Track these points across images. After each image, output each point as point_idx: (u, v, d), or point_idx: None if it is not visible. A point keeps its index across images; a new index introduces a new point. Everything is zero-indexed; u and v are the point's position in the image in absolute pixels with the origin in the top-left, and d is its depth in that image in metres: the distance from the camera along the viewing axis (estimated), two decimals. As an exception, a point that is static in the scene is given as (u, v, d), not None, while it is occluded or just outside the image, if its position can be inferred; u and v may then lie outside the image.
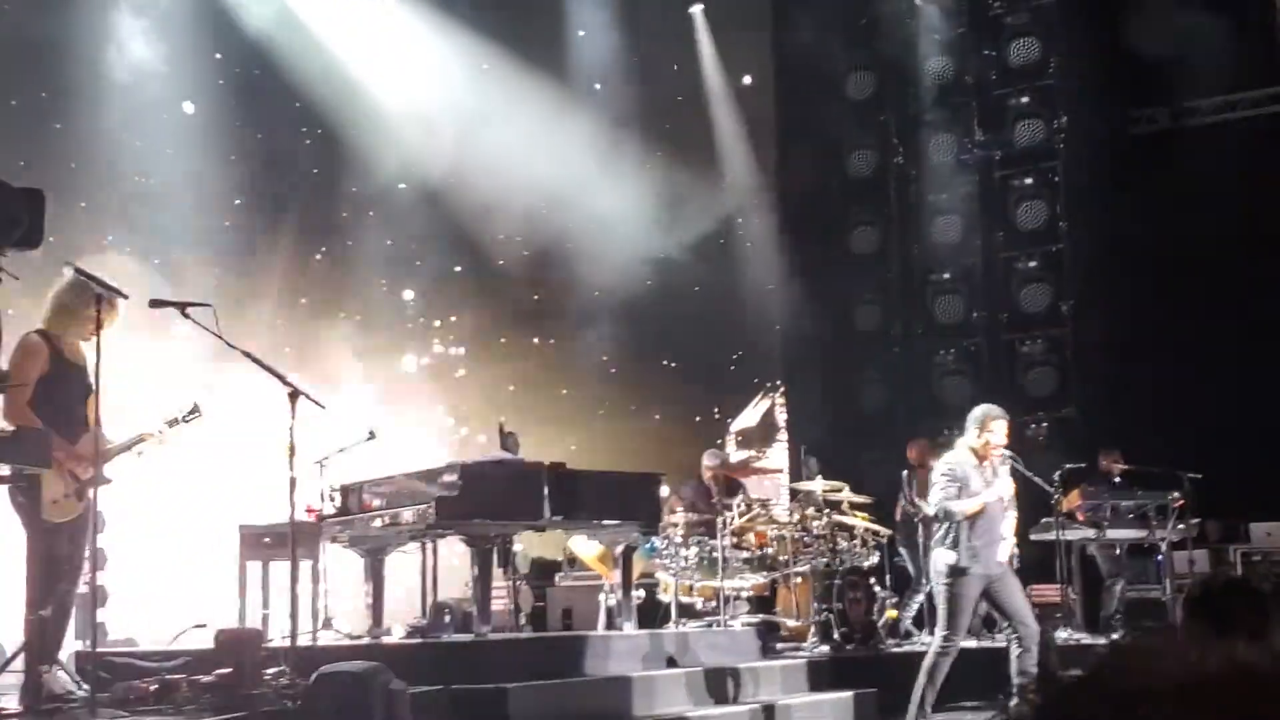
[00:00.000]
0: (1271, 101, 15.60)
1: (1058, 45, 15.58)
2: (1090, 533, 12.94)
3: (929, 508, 9.17)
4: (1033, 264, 15.48)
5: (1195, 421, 14.17)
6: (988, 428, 8.91)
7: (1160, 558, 13.31)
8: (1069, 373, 15.21)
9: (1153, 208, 15.17)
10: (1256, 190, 15.34)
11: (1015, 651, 8.87)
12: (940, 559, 8.83)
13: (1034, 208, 15.53)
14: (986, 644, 12.45)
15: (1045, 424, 15.15)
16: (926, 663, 8.83)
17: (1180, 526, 13.00)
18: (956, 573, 8.72)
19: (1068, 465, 12.91)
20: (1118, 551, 13.35)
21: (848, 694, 9.91)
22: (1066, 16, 15.63)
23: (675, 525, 11.85)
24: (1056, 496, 12.64)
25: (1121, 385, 14.88)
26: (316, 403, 7.83)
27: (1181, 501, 12.89)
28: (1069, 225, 15.38)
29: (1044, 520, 13.13)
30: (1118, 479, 13.37)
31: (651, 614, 11.71)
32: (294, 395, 7.66)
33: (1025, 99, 15.65)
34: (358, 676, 6.78)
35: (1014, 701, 8.90)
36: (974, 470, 8.84)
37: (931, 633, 12.51)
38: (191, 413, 8.22)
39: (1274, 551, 13.72)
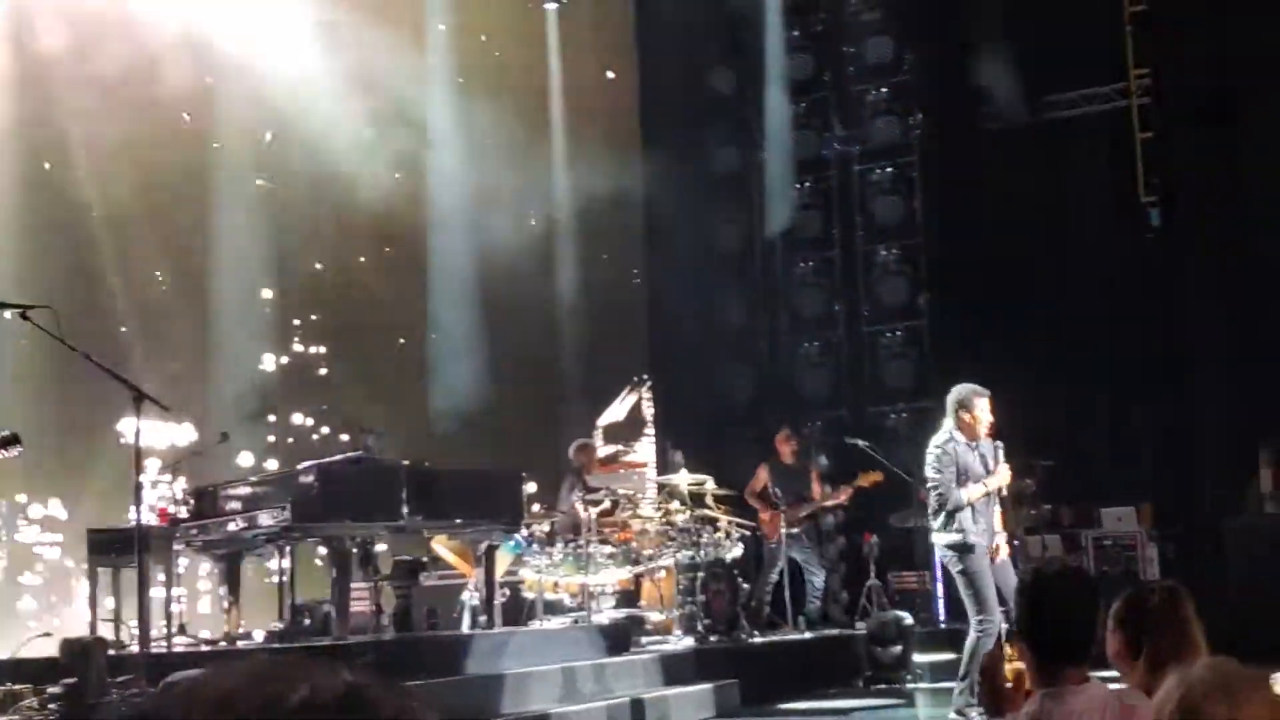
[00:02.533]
0: (1122, 96, 15.98)
1: (913, 43, 15.84)
2: (944, 521, 13.14)
3: (929, 491, 8.88)
4: (891, 257, 15.74)
5: (1049, 410, 14.49)
6: (970, 406, 8.77)
7: (1016, 542, 13.56)
8: (927, 364, 15.49)
9: (1007, 201, 15.48)
10: (1109, 184, 15.73)
11: (973, 636, 8.55)
12: (943, 542, 8.68)
13: (892, 202, 15.80)
14: (848, 632, 12.66)
15: (904, 414, 15.42)
16: (969, 647, 8.46)
17: (1033, 513, 13.29)
18: (964, 550, 8.54)
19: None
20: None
21: (708, 686, 9.96)
22: (921, 14, 15.90)
23: (540, 522, 11.83)
24: (915, 485, 12.86)
25: (977, 376, 15.09)
26: (161, 405, 7.67)
27: (1034, 488, 13.19)
28: (926, 219, 15.67)
29: (902, 510, 13.37)
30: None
31: (516, 611, 11.67)
32: (138, 398, 7.50)
33: (882, 95, 15.90)
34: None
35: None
36: (968, 452, 8.70)
37: (793, 622, 12.71)
38: (10, 443, 7.67)
39: (1123, 536, 14.07)
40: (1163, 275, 15.05)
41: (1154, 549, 14.14)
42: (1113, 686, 3.71)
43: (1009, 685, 3.77)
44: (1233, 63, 14.74)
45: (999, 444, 8.89)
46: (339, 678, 1.16)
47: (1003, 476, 8.80)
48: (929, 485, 8.83)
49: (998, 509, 8.93)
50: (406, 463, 9.79)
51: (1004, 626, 8.28)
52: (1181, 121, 14.74)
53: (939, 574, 13.71)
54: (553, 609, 11.55)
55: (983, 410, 8.78)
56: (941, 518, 8.67)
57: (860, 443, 13.44)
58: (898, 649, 11.60)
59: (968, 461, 8.66)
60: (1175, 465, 14.21)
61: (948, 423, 8.81)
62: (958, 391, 8.86)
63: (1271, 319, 14.35)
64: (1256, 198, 14.56)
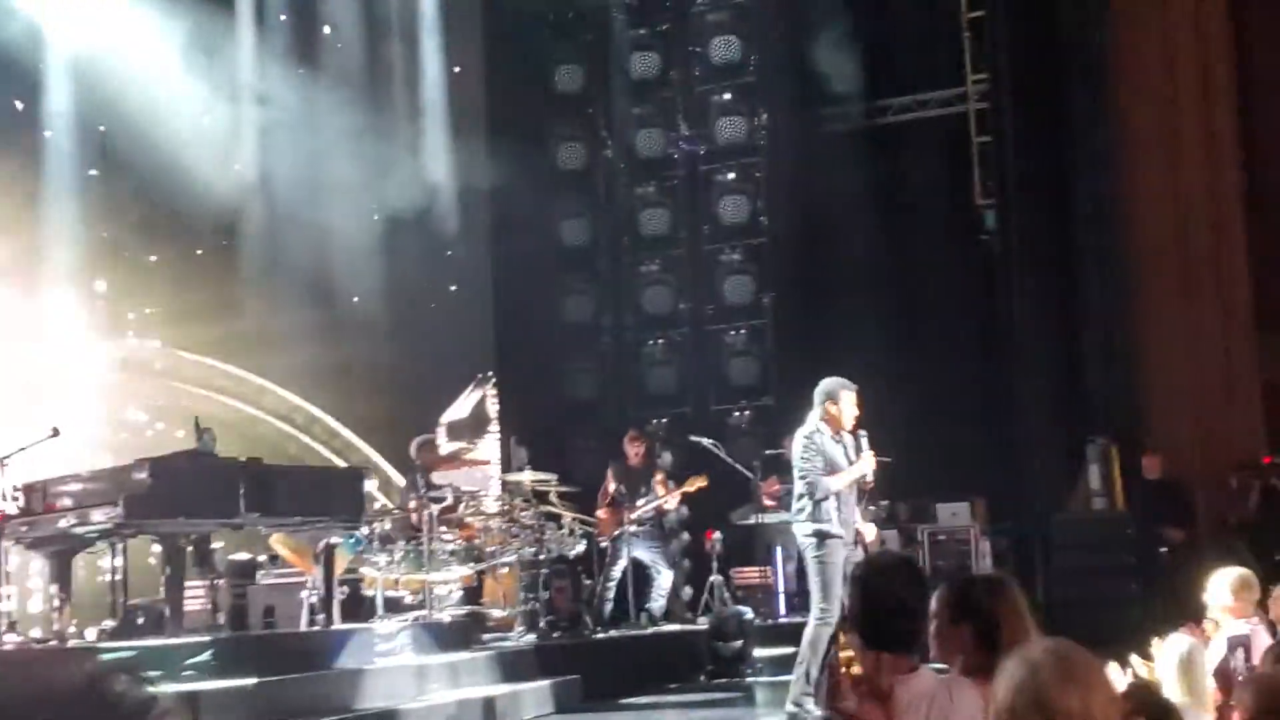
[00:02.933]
0: (960, 101, 16.35)
1: (758, 44, 16.01)
2: (786, 516, 13.31)
3: (797, 480, 8.89)
4: (736, 257, 15.90)
5: (888, 407, 14.73)
6: (836, 399, 8.84)
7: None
8: (769, 362, 15.68)
9: (850, 202, 15.75)
10: (946, 185, 16.10)
11: (812, 625, 8.63)
12: (804, 530, 8.75)
13: (737, 202, 15.95)
14: (689, 627, 12.77)
15: (747, 412, 15.59)
16: (808, 636, 8.58)
17: (871, 508, 13.49)
18: (823, 538, 8.61)
19: (766, 452, 13.34)
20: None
21: (545, 683, 9.97)
22: (766, 16, 16.08)
23: (381, 519, 11.72)
24: (755, 482, 13.05)
25: (818, 374, 15.33)
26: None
27: (871, 484, 13.40)
28: (770, 219, 15.86)
29: (743, 506, 13.53)
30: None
31: (357, 609, 11.55)
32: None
33: (728, 96, 16.07)
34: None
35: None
36: (832, 443, 8.80)
37: (636, 619, 12.79)
38: None
39: (957, 530, 14.40)
40: (996, 277, 15.44)
41: (987, 544, 14.48)
42: (943, 676, 3.79)
43: (845, 675, 3.82)
44: (1065, 69, 15.19)
45: (863, 433, 9.01)
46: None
47: (866, 464, 8.91)
48: (798, 474, 8.88)
49: (854, 499, 9.02)
50: (244, 460, 9.61)
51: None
52: (1017, 126, 15.12)
53: (779, 569, 13.91)
54: (394, 607, 11.45)
55: (848, 403, 8.90)
56: (807, 507, 8.75)
57: (704, 441, 13.57)
58: (738, 644, 11.74)
59: (832, 453, 8.77)
60: (1008, 462, 14.57)
61: (813, 414, 8.90)
62: (826, 384, 8.96)
63: (1096, 321, 14.84)
64: (1084, 202, 15.03)
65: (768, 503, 13.39)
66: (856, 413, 8.97)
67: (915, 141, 16.37)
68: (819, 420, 8.86)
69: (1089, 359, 14.98)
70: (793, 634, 11.88)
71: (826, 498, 8.69)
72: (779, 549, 13.77)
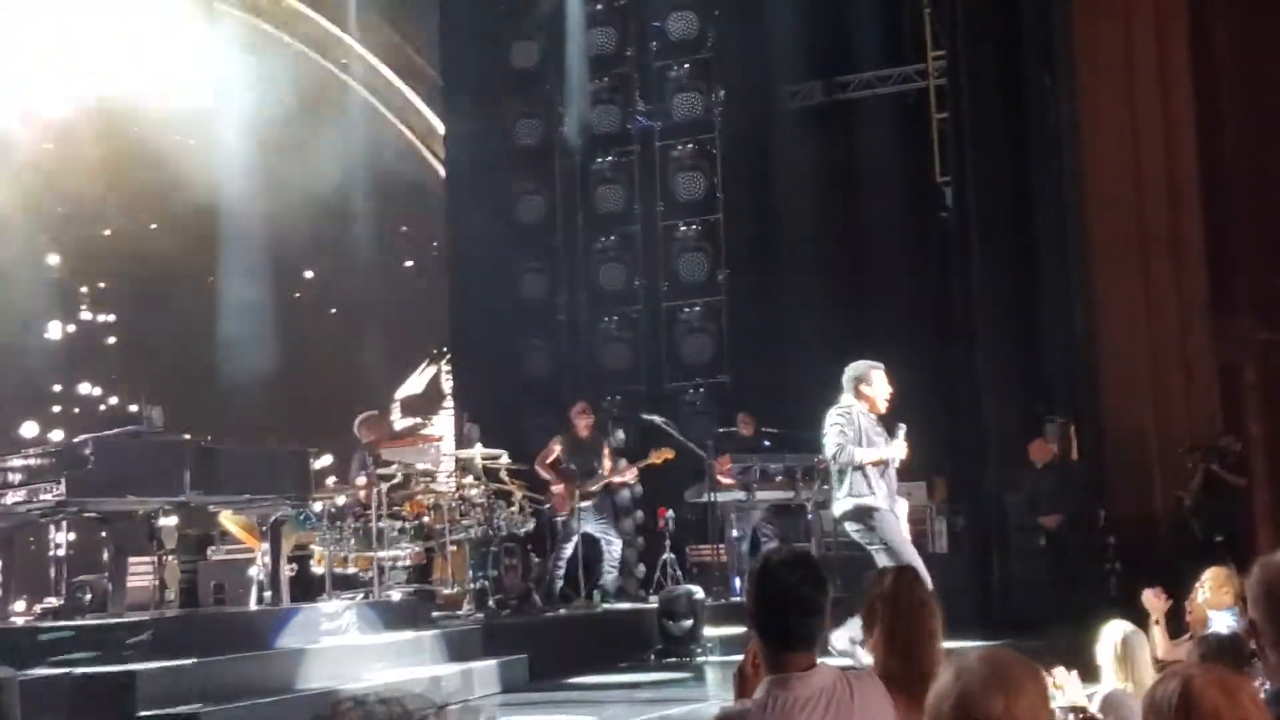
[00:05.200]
0: (920, 77, 16.32)
1: (716, 20, 15.93)
2: (740, 494, 13.33)
3: (828, 450, 8.71)
4: (691, 233, 15.84)
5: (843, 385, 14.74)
6: (867, 380, 8.70)
7: (810, 516, 13.80)
8: (724, 340, 15.64)
9: (807, 180, 15.71)
10: (905, 163, 16.07)
11: None
12: (843, 508, 8.59)
13: (693, 179, 15.90)
14: (639, 606, 12.75)
15: (701, 390, 15.57)
16: None
17: (825, 487, 13.50)
18: (865, 512, 8.46)
19: (720, 430, 13.31)
20: (759, 513, 13.71)
21: (493, 662, 9.92)
22: (724, -9, 16.01)
23: (330, 496, 11.66)
24: (709, 460, 13.02)
25: (774, 352, 15.39)
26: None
27: (825, 464, 13.40)
28: (726, 196, 15.81)
29: (696, 484, 13.50)
30: (766, 442, 13.80)
31: (306, 586, 11.50)
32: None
33: (684, 72, 15.98)
34: (-42, 666, 6.40)
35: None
36: (868, 421, 8.62)
37: (588, 596, 12.76)
38: None
39: (913, 510, 14.29)
40: (954, 254, 15.42)
41: (943, 523, 14.49)
42: (846, 671, 3.75)
43: (755, 668, 3.80)
44: (1026, 48, 15.17)
45: (902, 426, 8.80)
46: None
47: (898, 449, 8.68)
48: (828, 453, 8.69)
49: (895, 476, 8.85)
50: (188, 436, 9.53)
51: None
52: (976, 104, 15.09)
53: (734, 548, 13.89)
54: (344, 584, 11.40)
55: (880, 383, 8.77)
56: (845, 485, 8.56)
57: (656, 419, 13.54)
58: (688, 623, 11.69)
59: (867, 428, 8.59)
60: (965, 442, 14.57)
61: (845, 397, 8.73)
62: (855, 367, 8.80)
63: (1053, 301, 14.85)
64: (1042, 181, 15.02)
65: (723, 480, 13.36)
66: (890, 390, 8.83)
67: (874, 118, 16.32)
68: (853, 401, 8.68)
69: (1047, 339, 15.00)
70: (744, 613, 11.93)
71: (857, 467, 8.49)
72: (733, 527, 13.77)
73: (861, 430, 8.55)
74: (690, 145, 15.94)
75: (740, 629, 11.50)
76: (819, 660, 3.64)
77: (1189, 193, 14.84)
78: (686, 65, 16.01)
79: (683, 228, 15.89)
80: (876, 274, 15.89)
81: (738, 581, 13.82)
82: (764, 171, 15.86)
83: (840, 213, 15.73)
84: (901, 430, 8.76)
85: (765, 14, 15.65)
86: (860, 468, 8.49)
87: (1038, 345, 15.01)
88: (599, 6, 16.33)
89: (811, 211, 15.57)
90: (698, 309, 15.75)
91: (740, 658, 3.89)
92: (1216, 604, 7.03)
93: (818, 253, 15.64)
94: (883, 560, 8.29)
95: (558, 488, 13.07)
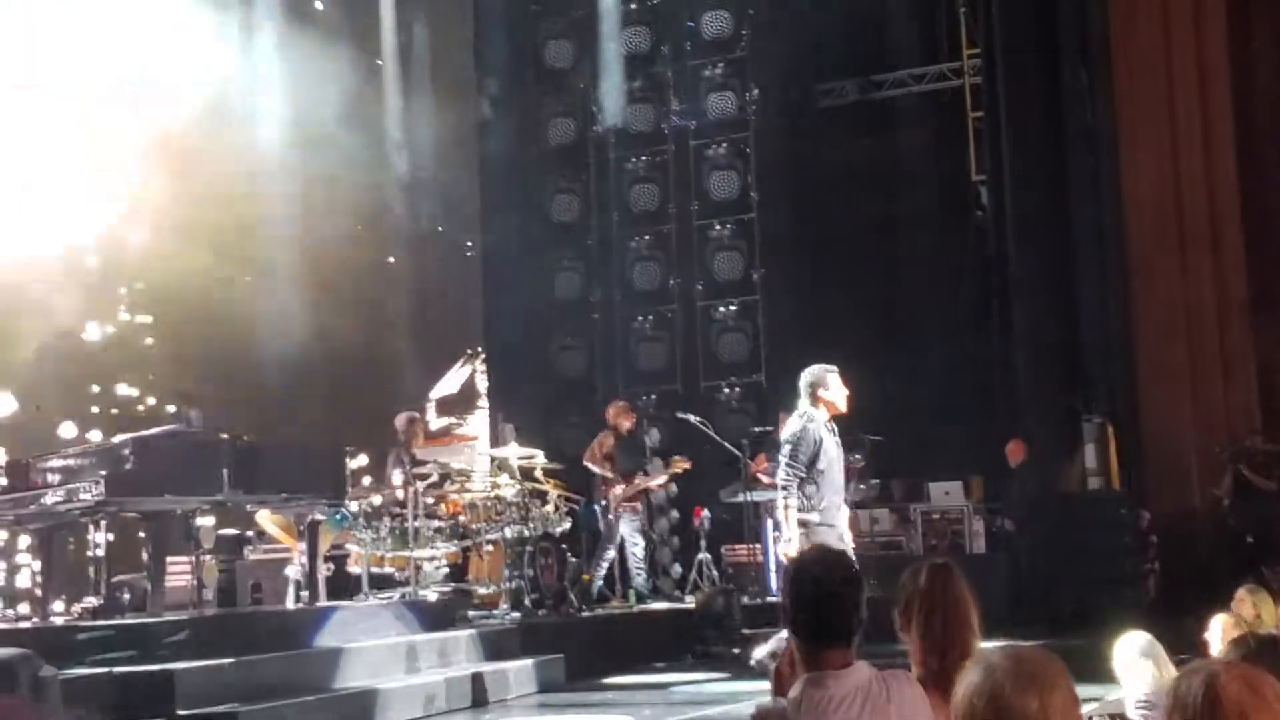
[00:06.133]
0: (955, 75, 16.27)
1: (750, 19, 15.91)
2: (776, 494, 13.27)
3: (778, 478, 8.79)
4: (726, 232, 15.82)
5: (881, 384, 14.71)
6: (824, 384, 8.71)
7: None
8: (759, 339, 15.62)
9: (842, 178, 15.68)
10: (940, 161, 16.02)
11: None
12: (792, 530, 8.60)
13: (727, 178, 15.87)
14: (676, 606, 12.74)
15: (737, 389, 15.54)
16: None
17: (862, 487, 13.48)
18: (808, 529, 8.51)
19: (755, 429, 13.28)
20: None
21: (529, 661, 9.93)
22: (759, -10, 15.98)
23: (367, 496, 11.69)
24: (744, 459, 12.99)
25: (809, 351, 15.29)
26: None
27: (863, 463, 13.38)
28: (760, 195, 15.77)
29: (732, 484, 13.47)
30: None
31: (343, 585, 11.54)
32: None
33: (718, 71, 15.96)
34: (2, 664, 6.44)
35: None
36: (826, 431, 8.65)
37: (624, 596, 12.75)
38: None
39: (949, 510, 14.35)
40: (990, 253, 15.36)
41: (980, 523, 14.43)
42: (882, 670, 3.74)
43: (795, 666, 3.79)
44: (1063, 46, 15.08)
45: (699, 420, 8.98)
46: None
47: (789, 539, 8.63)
48: (781, 470, 8.72)
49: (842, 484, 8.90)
50: (226, 436, 9.56)
51: None
52: (1013, 102, 15.02)
53: (769, 547, 13.86)
54: (380, 583, 11.42)
55: (837, 385, 8.77)
56: (788, 505, 8.61)
57: (692, 418, 13.52)
58: (725, 621, 11.69)
59: (825, 442, 8.61)
60: (1003, 441, 14.50)
61: (802, 404, 8.76)
62: (810, 373, 8.80)
63: (1090, 299, 14.76)
64: (1080, 179, 14.93)
65: (762, 480, 13.33)
66: (847, 391, 8.85)
67: (909, 117, 16.30)
68: (809, 409, 8.70)
69: (1085, 337, 14.91)
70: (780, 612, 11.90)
71: (805, 487, 8.52)
72: (769, 526, 13.72)
73: (817, 444, 8.55)
74: (724, 144, 15.92)
75: (777, 629, 11.48)
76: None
77: (1227, 190, 14.71)
78: (721, 64, 15.99)
79: (717, 227, 15.87)
80: (912, 273, 15.85)
81: (774, 581, 13.79)
82: (799, 170, 15.84)
83: (875, 211, 15.69)
84: (858, 458, 8.86)
85: (799, 13, 15.61)
86: (804, 483, 8.52)
87: (1075, 344, 14.93)
88: (633, 6, 16.33)
89: (847, 210, 15.54)
90: (733, 308, 15.73)
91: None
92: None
93: (853, 251, 15.60)
94: None
95: (618, 490, 13.01)
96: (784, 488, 8.58)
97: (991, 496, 14.60)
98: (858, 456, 13.42)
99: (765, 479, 13.30)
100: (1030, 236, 14.78)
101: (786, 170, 15.86)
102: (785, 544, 8.56)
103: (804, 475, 8.52)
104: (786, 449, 8.64)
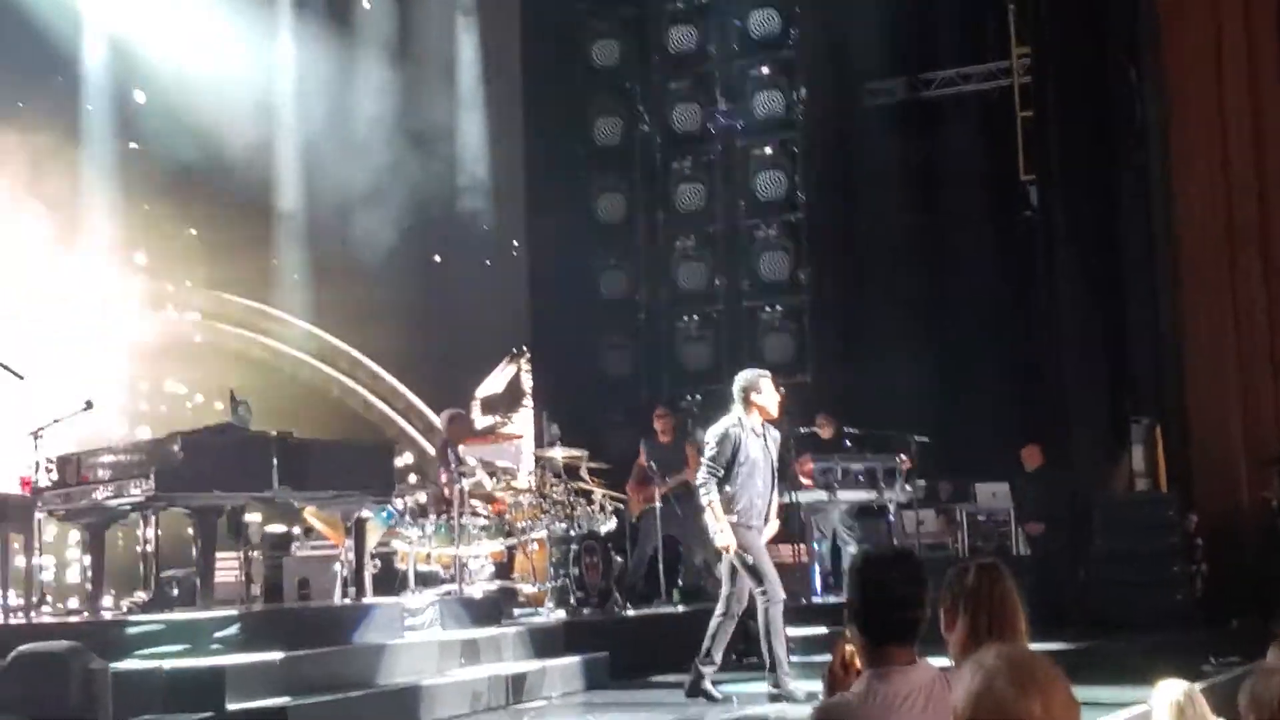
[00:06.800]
0: (1003, 75, 16.18)
1: (797, 18, 15.87)
2: (821, 495, 13.25)
3: (698, 477, 9.15)
4: (772, 232, 15.80)
5: (927, 384, 14.68)
6: (757, 388, 9.00)
7: (891, 518, 13.71)
8: (805, 339, 15.58)
9: (889, 178, 15.63)
10: (989, 161, 15.94)
11: (719, 615, 9.12)
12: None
13: (774, 177, 15.84)
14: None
15: (782, 389, 15.44)
16: (760, 623, 8.89)
17: (907, 488, 13.42)
18: (734, 534, 8.79)
19: (800, 430, 13.23)
20: (840, 514, 13.64)
21: (575, 659, 9.95)
22: (806, -11, 15.94)
23: (413, 493, 11.74)
24: (789, 460, 12.93)
25: (856, 351, 15.32)
26: (14, 373, 7.48)
27: (908, 463, 13.33)
28: (807, 195, 15.74)
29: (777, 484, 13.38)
30: (847, 442, 13.72)
31: (389, 583, 11.58)
32: (-10, 365, 7.32)
33: (765, 70, 15.94)
34: (54, 657, 6.52)
35: (700, 659, 9.08)
36: (753, 436, 8.93)
37: (668, 595, 12.75)
38: None
39: (997, 511, 14.29)
40: (1038, 253, 15.26)
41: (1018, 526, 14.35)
42: (944, 668, 3.74)
43: (848, 666, 3.79)
44: (1112, 43, 14.97)
45: (776, 434, 9.30)
46: None
47: (771, 528, 9.12)
48: (703, 468, 9.02)
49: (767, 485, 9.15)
50: (275, 433, 9.62)
51: (719, 607, 9.04)
52: (1062, 101, 14.93)
53: (814, 548, 13.84)
54: (426, 581, 11.46)
55: (770, 391, 9.09)
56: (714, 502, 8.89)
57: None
58: (769, 622, 11.63)
59: (749, 446, 8.89)
60: (1050, 442, 14.42)
61: (735, 408, 9.02)
62: (744, 376, 9.14)
63: (1139, 300, 14.64)
64: (1129, 178, 14.82)
65: (803, 481, 13.29)
66: (779, 397, 9.18)
67: (957, 116, 16.22)
68: (741, 414, 8.97)
69: (1133, 338, 14.80)
70: (827, 614, 11.86)
71: (707, 503, 8.85)
72: (814, 528, 13.70)
73: (737, 446, 8.84)
74: (772, 144, 15.89)
75: (821, 629, 11.45)
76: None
77: (1279, 190, 14.56)
78: (768, 63, 15.97)
79: (764, 227, 15.85)
80: (959, 273, 15.76)
81: (818, 582, 13.76)
82: (846, 170, 15.80)
83: (923, 211, 15.63)
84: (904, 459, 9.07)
85: (847, 11, 15.57)
86: (721, 483, 8.82)
87: (1124, 345, 14.82)
88: (680, 5, 16.32)
89: (894, 210, 15.48)
90: (779, 308, 15.70)
91: (827, 658, 3.88)
92: None
93: (900, 252, 15.54)
94: (746, 575, 8.87)
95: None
96: (702, 485, 8.93)
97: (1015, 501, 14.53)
98: (903, 457, 13.38)
99: (808, 480, 13.28)
100: (1079, 236, 14.67)
101: (834, 170, 15.82)
102: (719, 536, 8.87)
103: (720, 475, 8.84)
104: (708, 449, 8.95)
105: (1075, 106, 14.81)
